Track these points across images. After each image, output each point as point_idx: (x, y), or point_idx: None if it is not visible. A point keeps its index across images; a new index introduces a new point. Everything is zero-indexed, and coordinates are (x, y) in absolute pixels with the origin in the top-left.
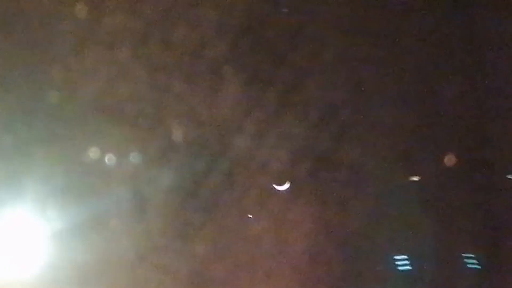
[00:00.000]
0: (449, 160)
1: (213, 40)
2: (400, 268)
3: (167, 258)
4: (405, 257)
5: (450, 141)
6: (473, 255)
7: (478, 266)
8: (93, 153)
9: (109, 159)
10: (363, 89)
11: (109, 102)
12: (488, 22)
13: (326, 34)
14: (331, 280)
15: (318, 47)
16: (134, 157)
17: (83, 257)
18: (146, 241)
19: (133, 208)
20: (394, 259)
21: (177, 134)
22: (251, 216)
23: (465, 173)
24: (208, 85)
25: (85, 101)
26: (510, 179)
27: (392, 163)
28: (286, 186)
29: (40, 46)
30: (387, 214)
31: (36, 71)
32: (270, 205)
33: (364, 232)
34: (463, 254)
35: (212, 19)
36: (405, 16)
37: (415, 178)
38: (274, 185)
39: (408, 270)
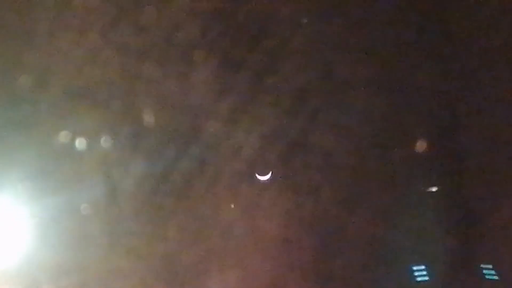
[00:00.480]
0: (421, 145)
1: (184, 24)
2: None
3: (139, 243)
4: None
5: (422, 126)
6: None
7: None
8: (64, 137)
9: (80, 143)
10: (335, 74)
11: (80, 86)
12: (461, 7)
13: (298, 18)
14: (303, 267)
15: (290, 32)
16: (106, 142)
17: (55, 243)
18: (118, 226)
19: (104, 192)
20: (367, 245)
21: (149, 119)
22: (232, 206)
23: (437, 159)
24: (179, 70)
25: (55, 85)
26: (482, 165)
27: (365, 149)
28: (268, 176)
29: (10, 30)
30: (359, 200)
31: (6, 55)
32: (242, 190)
33: (336, 218)
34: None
35: (184, 3)
36: (377, 1)
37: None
38: (257, 175)
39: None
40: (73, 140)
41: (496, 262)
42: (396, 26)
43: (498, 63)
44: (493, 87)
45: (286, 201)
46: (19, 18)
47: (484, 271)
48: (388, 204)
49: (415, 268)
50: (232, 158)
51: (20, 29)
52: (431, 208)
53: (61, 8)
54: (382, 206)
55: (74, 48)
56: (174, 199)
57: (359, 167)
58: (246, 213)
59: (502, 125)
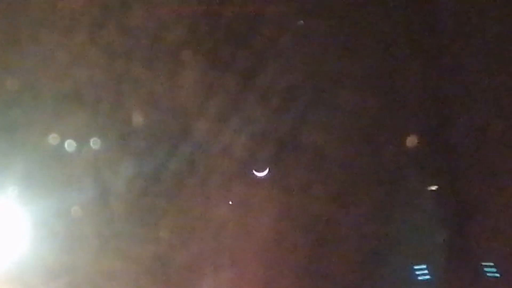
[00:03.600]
0: (411, 141)
1: (171, 24)
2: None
3: (131, 244)
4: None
5: (412, 122)
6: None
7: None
8: (52, 140)
9: (69, 145)
10: (324, 72)
11: (67, 88)
12: (449, 2)
13: (286, 17)
14: (295, 264)
15: (278, 30)
16: (94, 143)
17: (45, 245)
18: (108, 227)
19: (94, 194)
20: (359, 242)
21: (137, 119)
22: (231, 203)
23: (428, 154)
24: (167, 70)
25: (42, 88)
26: (473, 159)
27: (355, 146)
28: (265, 172)
29: None
30: (351, 197)
31: None
32: (233, 189)
33: (329, 215)
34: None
35: (171, 3)
36: None
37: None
38: (255, 172)
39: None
40: (62, 142)
41: (491, 256)
42: (385, 23)
43: (488, 58)
44: (483, 83)
45: (278, 199)
46: (3, 21)
47: (483, 268)
48: (380, 200)
49: (410, 265)
50: (223, 158)
51: (5, 32)
52: (423, 203)
53: (46, 11)
54: (374, 202)
55: (60, 50)
56: (165, 199)
57: (351, 164)
58: (238, 213)
59: (492, 120)
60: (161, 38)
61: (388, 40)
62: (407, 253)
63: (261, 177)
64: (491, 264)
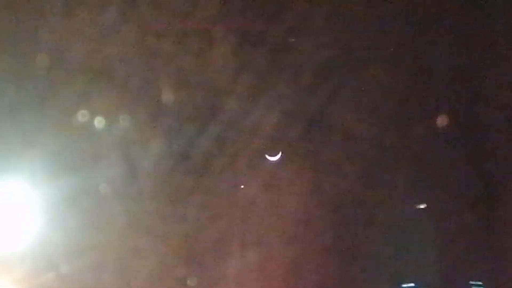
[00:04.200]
0: (442, 120)
1: (203, 0)
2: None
3: (158, 222)
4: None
5: (443, 101)
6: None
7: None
8: (81, 116)
9: (98, 122)
10: (355, 50)
11: (98, 64)
12: None
13: None
14: (323, 244)
15: (310, 7)
16: (124, 120)
17: (74, 223)
18: (137, 205)
19: (123, 172)
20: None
21: (167, 97)
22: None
23: (458, 133)
24: (198, 47)
25: (73, 63)
26: (502, 139)
27: (384, 124)
28: (278, 156)
29: (27, 8)
30: (380, 176)
31: (23, 33)
32: (262, 168)
33: (357, 195)
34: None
35: None
36: None
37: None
38: (267, 156)
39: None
40: (91, 119)
41: None
42: (416, 1)
43: None
44: None
45: (306, 178)
46: None
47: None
48: (409, 179)
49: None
50: (252, 136)
51: (36, 8)
52: (452, 182)
53: None
54: (403, 181)
55: (91, 26)
56: (193, 177)
57: (380, 143)
58: (266, 191)
59: None
60: (192, 14)
61: (419, 19)
62: (436, 232)
63: (273, 161)
64: None
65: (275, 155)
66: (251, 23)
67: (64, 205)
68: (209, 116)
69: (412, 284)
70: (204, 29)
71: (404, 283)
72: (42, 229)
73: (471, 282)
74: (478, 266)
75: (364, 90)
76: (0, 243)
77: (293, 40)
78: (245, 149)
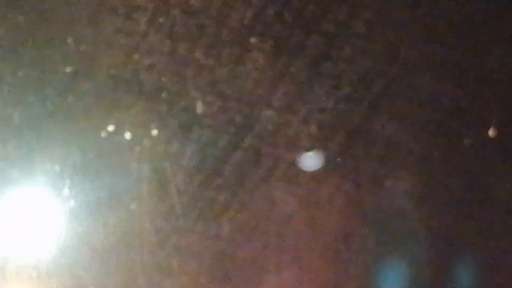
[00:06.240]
0: (492, 133)
1: (237, 7)
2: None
3: (190, 240)
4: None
5: (494, 112)
6: None
7: None
8: (110, 128)
9: (128, 135)
10: (399, 57)
11: (127, 75)
12: None
13: None
14: (364, 263)
15: (351, 13)
16: (154, 133)
17: (101, 240)
18: (167, 222)
19: (153, 187)
20: (436, 240)
21: (200, 108)
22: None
23: (507, 148)
24: (232, 56)
25: (101, 74)
26: None
27: (432, 137)
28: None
29: (53, 16)
30: (426, 192)
31: (50, 43)
32: (300, 183)
33: (402, 211)
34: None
35: None
36: None
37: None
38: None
39: (452, 251)
40: (120, 131)
41: None
42: (466, 4)
43: None
44: None
45: (347, 193)
46: (61, 3)
47: None
48: (458, 195)
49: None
50: (289, 149)
51: (62, 16)
52: (503, 199)
53: None
54: (452, 197)
55: (120, 35)
56: (227, 193)
57: (426, 156)
58: (304, 207)
59: None
60: (226, 21)
61: (469, 24)
62: (482, 252)
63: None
64: None
65: (314, 169)
66: (288, 30)
67: (90, 221)
68: (244, 128)
69: None
70: (239, 37)
71: None
72: (67, 247)
73: None
74: None
75: (409, 101)
76: (22, 259)
77: (332, 48)
78: (281, 163)
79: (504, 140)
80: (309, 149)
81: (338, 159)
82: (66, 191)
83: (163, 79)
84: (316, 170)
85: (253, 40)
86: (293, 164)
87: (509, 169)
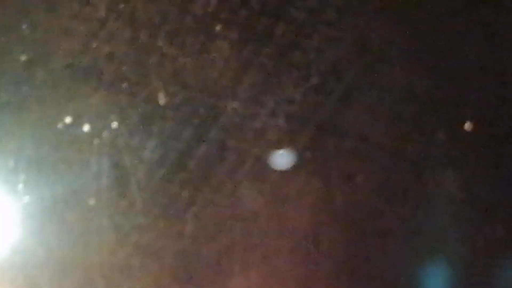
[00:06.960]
0: (468, 127)
1: None
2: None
3: (152, 238)
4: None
5: (467, 106)
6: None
7: None
8: (67, 120)
9: (86, 127)
10: (370, 47)
11: (85, 63)
12: None
13: None
14: (334, 262)
15: (320, 0)
16: (114, 125)
17: (57, 238)
18: (128, 219)
19: (113, 182)
20: (407, 238)
21: (162, 99)
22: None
23: (487, 142)
24: (196, 44)
25: (58, 62)
26: None
27: (404, 131)
28: (284, 165)
29: (7, 1)
30: (398, 189)
31: (3, 29)
32: (267, 178)
33: (372, 209)
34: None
35: None
36: None
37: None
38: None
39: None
40: (77, 123)
41: None
42: None
43: None
44: None
45: (316, 189)
46: None
47: None
48: (431, 193)
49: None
50: (256, 142)
51: (17, 2)
52: (479, 196)
53: None
54: (424, 195)
55: (78, 21)
56: (191, 189)
57: (398, 151)
58: (271, 204)
59: None
60: (190, 8)
61: (444, 11)
62: (461, 249)
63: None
64: None
65: (282, 164)
66: (254, 18)
67: (46, 218)
68: (208, 121)
69: None
70: (203, 25)
71: None
72: (21, 244)
73: None
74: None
75: (382, 93)
76: None
77: (301, 36)
78: (248, 157)
79: (480, 134)
80: (276, 143)
81: (307, 154)
82: (20, 187)
83: (123, 68)
84: (284, 165)
85: (218, 28)
86: (260, 159)
87: (485, 164)
